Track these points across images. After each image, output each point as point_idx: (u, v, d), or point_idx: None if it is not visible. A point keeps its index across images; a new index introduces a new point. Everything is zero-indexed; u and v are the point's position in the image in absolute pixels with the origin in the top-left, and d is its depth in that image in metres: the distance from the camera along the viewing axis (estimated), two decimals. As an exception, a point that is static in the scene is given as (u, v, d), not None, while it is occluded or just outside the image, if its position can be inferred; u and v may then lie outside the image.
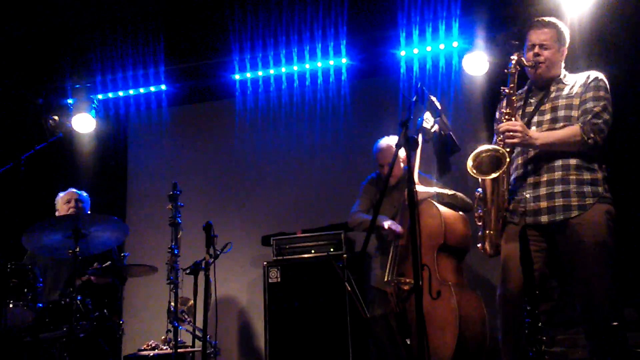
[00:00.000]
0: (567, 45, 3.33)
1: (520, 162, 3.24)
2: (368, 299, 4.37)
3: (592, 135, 3.02)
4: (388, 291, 3.91)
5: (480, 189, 3.22)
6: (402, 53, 5.28)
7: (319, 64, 5.56)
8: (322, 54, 5.41)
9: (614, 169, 3.38)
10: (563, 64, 3.34)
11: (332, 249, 4.92)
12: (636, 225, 4.33)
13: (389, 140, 4.38)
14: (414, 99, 3.14)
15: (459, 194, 4.14)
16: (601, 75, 3.22)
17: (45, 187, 5.53)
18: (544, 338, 3.14)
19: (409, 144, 2.83)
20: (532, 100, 3.30)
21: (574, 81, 3.25)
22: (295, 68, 5.63)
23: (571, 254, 3.02)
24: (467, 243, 3.87)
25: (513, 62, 3.20)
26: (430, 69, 5.30)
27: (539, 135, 3.10)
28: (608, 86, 3.19)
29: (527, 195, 3.13)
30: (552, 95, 3.24)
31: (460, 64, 5.03)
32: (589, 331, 3.02)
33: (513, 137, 3.06)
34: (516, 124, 3.08)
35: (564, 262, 3.07)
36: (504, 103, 3.24)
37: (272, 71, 5.67)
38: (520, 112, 3.27)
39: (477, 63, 4.87)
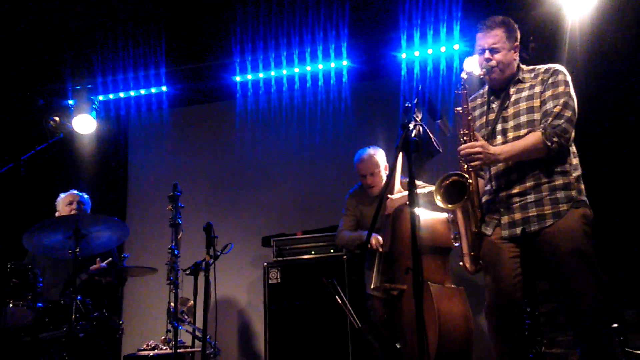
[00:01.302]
0: (519, 39, 3.17)
1: (492, 173, 3.12)
2: (369, 305, 4.36)
3: (554, 139, 2.89)
4: (375, 297, 3.91)
5: (451, 214, 3.13)
6: (403, 55, 5.28)
7: (320, 66, 5.57)
8: (323, 56, 5.42)
9: (617, 168, 3.32)
10: (518, 60, 3.18)
11: (332, 250, 4.92)
12: (637, 226, 4.35)
13: (370, 151, 4.37)
14: (415, 101, 3.12)
15: None
16: (560, 67, 3.07)
17: (45, 187, 5.54)
18: (545, 340, 3.14)
19: (409, 146, 2.80)
20: (493, 106, 3.16)
21: (532, 78, 3.11)
22: (296, 70, 5.63)
23: (549, 264, 2.94)
24: (448, 242, 3.81)
25: (462, 81, 3.08)
26: (431, 72, 5.29)
27: (501, 150, 2.97)
28: (568, 78, 3.04)
29: (502, 209, 3.03)
30: (513, 98, 3.11)
31: (461, 67, 5.03)
32: (575, 337, 2.96)
33: (475, 159, 2.94)
34: (475, 145, 2.94)
35: (543, 271, 2.98)
36: (461, 123, 3.07)
37: (273, 73, 5.68)
38: (484, 120, 3.16)
39: (478, 65, 4.86)
